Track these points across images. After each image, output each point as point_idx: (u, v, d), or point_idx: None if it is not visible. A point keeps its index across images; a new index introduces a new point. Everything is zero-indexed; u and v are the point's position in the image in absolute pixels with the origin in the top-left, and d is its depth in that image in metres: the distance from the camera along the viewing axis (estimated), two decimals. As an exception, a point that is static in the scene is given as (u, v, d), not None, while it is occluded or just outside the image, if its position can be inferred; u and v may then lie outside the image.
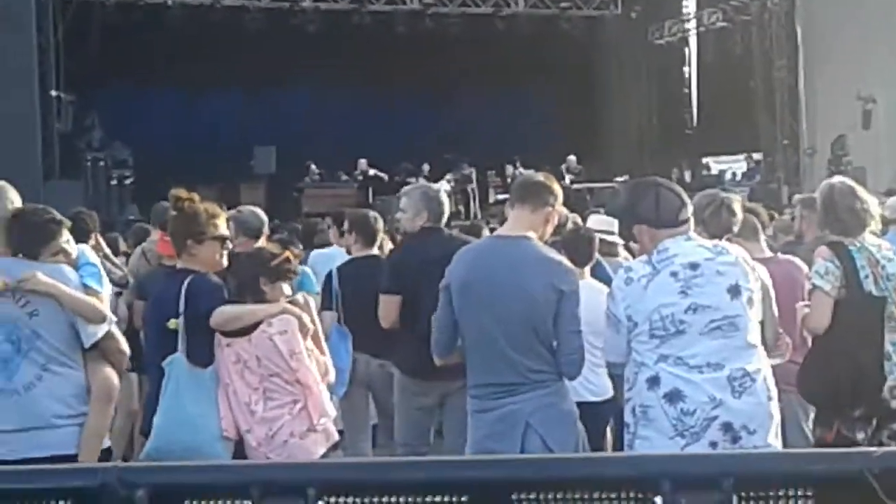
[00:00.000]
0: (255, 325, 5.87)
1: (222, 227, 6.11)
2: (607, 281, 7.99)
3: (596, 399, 7.34)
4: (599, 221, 9.39)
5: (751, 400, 5.02)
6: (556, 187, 5.84)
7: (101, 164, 24.29)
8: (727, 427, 4.98)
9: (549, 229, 5.91)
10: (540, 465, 2.73)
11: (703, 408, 4.98)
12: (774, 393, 5.14)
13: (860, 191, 6.37)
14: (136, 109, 26.40)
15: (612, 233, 9.13)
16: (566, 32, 30.42)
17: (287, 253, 6.23)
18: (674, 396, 5.01)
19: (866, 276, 6.04)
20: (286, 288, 6.08)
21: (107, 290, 6.07)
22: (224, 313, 5.81)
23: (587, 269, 7.45)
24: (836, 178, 6.85)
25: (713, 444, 4.96)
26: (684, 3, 31.67)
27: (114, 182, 24.25)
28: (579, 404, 6.06)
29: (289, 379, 5.87)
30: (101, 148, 24.56)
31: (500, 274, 5.60)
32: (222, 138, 26.55)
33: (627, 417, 5.24)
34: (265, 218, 8.46)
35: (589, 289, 7.03)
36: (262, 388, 5.83)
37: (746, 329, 5.10)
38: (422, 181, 22.45)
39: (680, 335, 5.04)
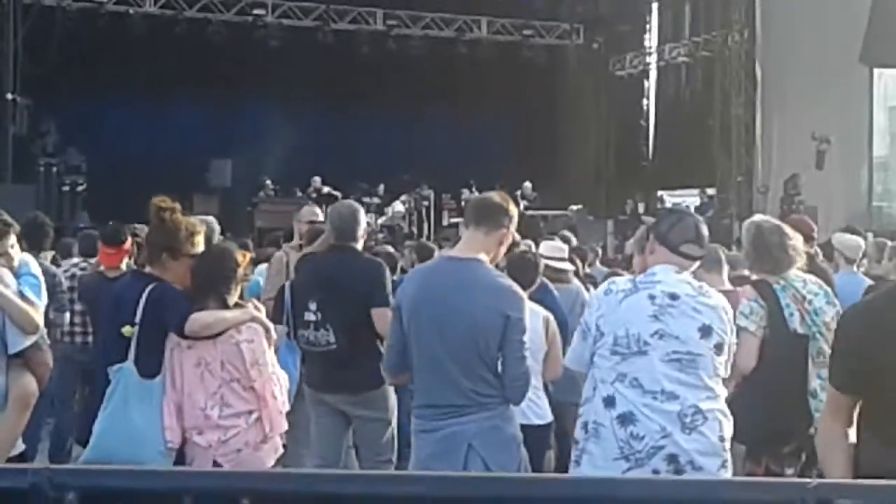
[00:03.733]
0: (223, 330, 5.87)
1: (200, 246, 6.08)
2: (551, 307, 8.06)
3: (540, 422, 7.35)
4: (551, 248, 9.42)
5: (700, 438, 5.02)
6: (512, 209, 5.81)
7: (55, 169, 24.12)
8: (672, 458, 4.99)
9: (502, 251, 5.91)
10: (471, 483, 2.71)
11: (652, 435, 4.99)
12: (728, 434, 5.14)
13: (787, 228, 6.46)
14: (93, 117, 26.20)
15: (563, 259, 9.16)
16: (528, 60, 30.59)
17: (249, 256, 6.28)
18: (626, 419, 5.02)
19: (791, 314, 6.10)
20: (237, 289, 6.09)
21: (43, 302, 6.02)
22: (200, 321, 5.78)
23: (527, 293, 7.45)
24: (760, 217, 6.94)
25: (656, 472, 4.96)
26: (646, 36, 31.88)
27: (66, 188, 24.07)
28: (524, 427, 6.07)
29: (246, 386, 5.84)
30: (56, 154, 24.39)
31: (449, 296, 5.58)
32: (178, 149, 26.36)
33: (578, 433, 5.24)
34: (217, 227, 8.47)
35: (529, 312, 7.05)
36: (220, 393, 5.81)
37: (706, 370, 5.11)
38: (375, 200, 22.49)
39: (641, 356, 5.06)
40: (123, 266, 8.97)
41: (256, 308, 6.19)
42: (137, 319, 5.80)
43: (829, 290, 6.38)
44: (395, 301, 5.81)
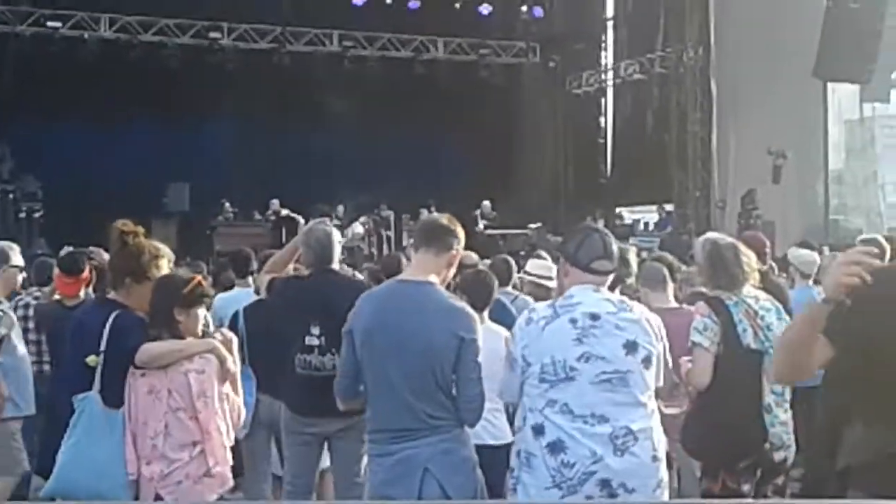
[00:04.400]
0: None
1: (164, 269, 6.01)
2: (505, 321, 8.07)
3: (496, 443, 7.32)
4: (539, 266, 9.41)
5: (632, 459, 5.01)
6: (460, 230, 5.80)
7: (11, 196, 23.97)
8: (605, 483, 4.98)
9: (452, 272, 5.90)
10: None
11: (583, 462, 4.98)
12: (662, 452, 5.13)
13: (741, 245, 6.51)
14: (48, 143, 26.02)
15: (550, 278, 9.17)
16: (485, 79, 30.69)
17: (197, 278, 6.07)
18: (556, 447, 5.02)
19: (744, 330, 6.14)
20: (201, 313, 5.96)
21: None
22: (149, 351, 5.70)
23: (486, 313, 7.44)
24: (714, 234, 6.98)
25: (589, 498, 4.96)
26: (602, 54, 32.04)
27: (22, 215, 23.90)
28: (480, 448, 6.05)
29: (191, 416, 5.76)
30: (11, 180, 24.24)
31: (402, 320, 5.56)
32: (136, 174, 26.19)
33: (513, 461, 5.25)
34: (171, 256, 8.40)
35: (487, 332, 7.05)
36: (164, 421, 5.72)
37: (637, 386, 5.11)
38: (334, 222, 22.36)
39: (569, 382, 5.06)
40: (82, 294, 8.87)
41: (228, 339, 6.12)
42: (102, 348, 5.73)
43: (780, 306, 6.43)
44: (348, 326, 5.76)
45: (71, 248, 10.91)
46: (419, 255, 5.78)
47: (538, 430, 5.08)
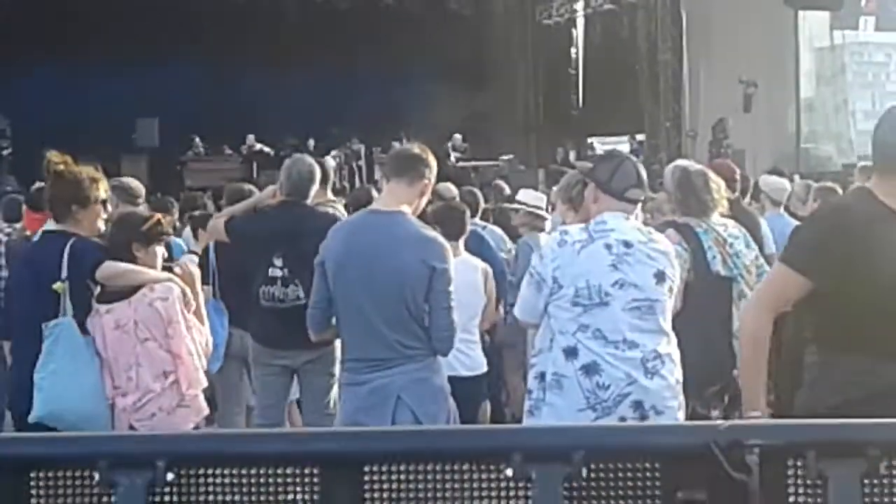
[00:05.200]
0: (136, 289, 5.80)
1: (104, 191, 6.04)
2: (488, 257, 8.12)
3: (470, 374, 7.39)
4: (532, 196, 9.44)
5: (661, 382, 5.06)
6: (432, 159, 5.80)
7: (-22, 135, 23.83)
8: (637, 405, 5.02)
9: (424, 202, 5.93)
10: (391, 438, 2.72)
11: (617, 384, 5.01)
12: (680, 377, 5.18)
13: (710, 172, 6.53)
14: (15, 80, 25.80)
15: (541, 207, 9.21)
16: (455, 11, 30.49)
17: (157, 216, 6.15)
18: (591, 369, 5.03)
19: (714, 257, 6.16)
20: (160, 250, 6.01)
21: None
22: (111, 267, 5.73)
23: (461, 244, 7.47)
24: (684, 162, 7.00)
25: (622, 419, 5.00)
26: (573, -17, 31.90)
27: (-9, 153, 23.80)
28: (453, 379, 6.10)
29: (162, 345, 5.80)
30: (-22, 119, 24.10)
31: (374, 250, 5.58)
32: (104, 110, 26.04)
33: (531, 383, 5.22)
34: (142, 189, 8.41)
35: (463, 264, 7.11)
36: (135, 353, 5.76)
37: (663, 314, 5.16)
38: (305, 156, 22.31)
39: (603, 307, 5.07)
40: (49, 230, 8.85)
41: (184, 267, 6.17)
42: (64, 275, 5.75)
43: (746, 233, 6.46)
44: (320, 257, 5.77)
45: (41, 185, 10.85)
46: (391, 184, 5.79)
47: (570, 353, 5.07)
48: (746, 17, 23.65)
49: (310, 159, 7.54)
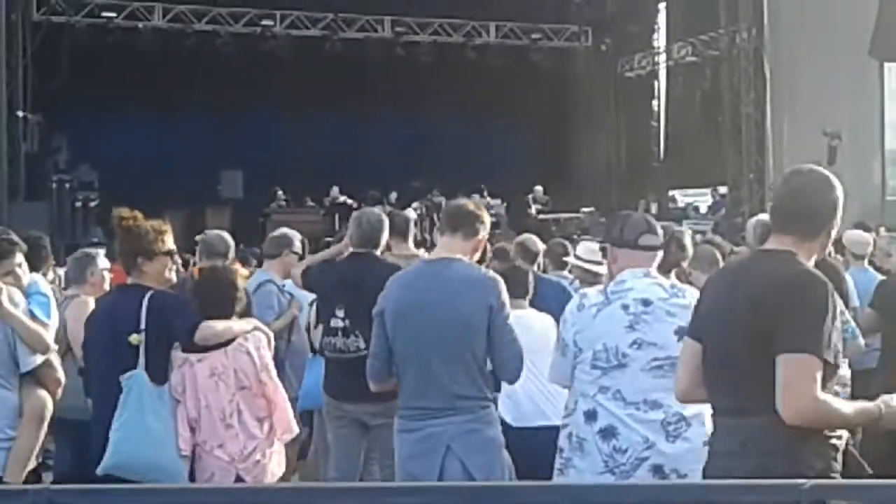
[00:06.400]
0: (230, 341, 5.96)
1: (170, 243, 6.16)
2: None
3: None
4: (587, 250, 9.39)
5: (684, 445, 5.03)
6: (486, 216, 5.97)
7: (67, 185, 24.24)
8: (657, 469, 5.01)
9: (477, 257, 6.02)
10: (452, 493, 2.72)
11: (635, 447, 5.02)
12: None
13: None
14: (104, 132, 26.30)
15: (599, 262, 9.16)
16: (537, 63, 30.53)
17: (240, 271, 6.39)
18: (608, 433, 5.04)
19: None
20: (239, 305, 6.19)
21: (54, 321, 6.08)
22: (209, 329, 5.86)
23: (526, 302, 7.47)
24: (766, 216, 6.91)
25: None
26: (654, 36, 31.80)
27: (79, 204, 24.16)
28: (548, 428, 6.15)
29: (257, 393, 5.91)
30: (68, 170, 24.52)
31: (432, 297, 5.69)
32: (190, 162, 26.44)
33: (562, 442, 5.28)
34: (231, 241, 8.52)
35: (537, 317, 7.19)
36: (235, 401, 5.87)
37: None
38: (387, 208, 22.45)
39: (621, 368, 5.07)
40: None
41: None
42: (142, 327, 5.82)
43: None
44: (378, 308, 5.84)
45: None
46: (445, 238, 5.93)
47: (590, 416, 5.11)
48: (831, 69, 23.45)
49: (378, 210, 7.63)
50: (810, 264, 4.07)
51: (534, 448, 6.78)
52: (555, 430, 6.95)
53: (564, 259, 9.39)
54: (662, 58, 31.53)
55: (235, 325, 6.02)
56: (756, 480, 2.62)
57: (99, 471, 5.77)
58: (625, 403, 5.04)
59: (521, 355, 5.71)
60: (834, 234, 4.25)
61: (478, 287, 5.70)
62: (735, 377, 3.95)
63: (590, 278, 9.00)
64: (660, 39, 31.76)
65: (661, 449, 4.99)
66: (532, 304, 7.50)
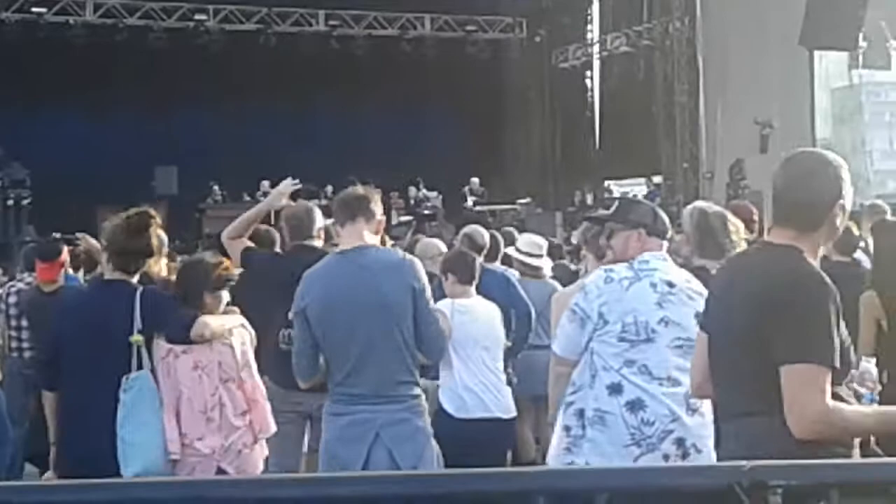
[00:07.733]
0: None
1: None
2: (515, 299, 8.15)
3: (504, 416, 7.34)
4: (528, 243, 9.40)
5: (700, 419, 5.09)
6: (378, 198, 5.97)
7: (-1, 184, 23.93)
8: (680, 442, 5.07)
9: (378, 238, 6.01)
10: (413, 481, 2.72)
11: (662, 420, 5.06)
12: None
13: (729, 214, 6.54)
14: (35, 129, 25.97)
15: (539, 256, 9.18)
16: (471, 55, 30.59)
17: (225, 262, 6.22)
18: (636, 405, 5.07)
19: None
20: (225, 296, 6.07)
21: None
22: (204, 326, 5.79)
23: (472, 289, 7.47)
24: (703, 203, 6.98)
25: (666, 457, 5.03)
26: (588, 27, 31.96)
27: (10, 202, 23.83)
28: (488, 420, 6.17)
29: (239, 387, 5.89)
30: (-2, 168, 24.21)
31: (357, 286, 5.68)
32: (123, 158, 26.19)
33: (569, 420, 5.23)
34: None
35: (482, 304, 7.22)
36: (217, 394, 5.82)
37: None
38: (323, 202, 22.36)
39: (649, 343, 5.12)
40: (60, 279, 8.88)
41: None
42: (139, 327, 5.75)
43: None
44: (298, 306, 5.78)
45: (58, 235, 10.96)
46: (347, 228, 5.86)
47: (615, 389, 5.11)
48: (761, 58, 23.66)
49: (303, 201, 7.59)
50: (815, 259, 3.90)
51: (475, 439, 6.82)
52: (495, 422, 7.05)
53: (505, 251, 9.41)
54: (596, 49, 31.71)
55: (225, 321, 5.95)
56: (697, 464, 2.65)
57: (129, 473, 5.58)
58: (651, 377, 5.09)
59: (444, 334, 5.90)
60: (839, 222, 3.94)
61: (399, 271, 5.73)
62: (734, 378, 3.91)
63: (529, 272, 9.07)
64: (594, 30, 31.93)
65: (685, 422, 5.06)
66: (477, 292, 7.50)
